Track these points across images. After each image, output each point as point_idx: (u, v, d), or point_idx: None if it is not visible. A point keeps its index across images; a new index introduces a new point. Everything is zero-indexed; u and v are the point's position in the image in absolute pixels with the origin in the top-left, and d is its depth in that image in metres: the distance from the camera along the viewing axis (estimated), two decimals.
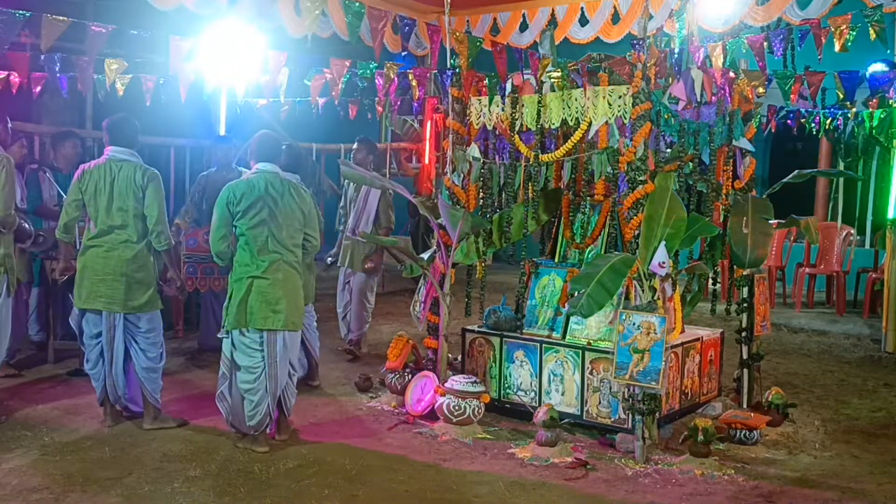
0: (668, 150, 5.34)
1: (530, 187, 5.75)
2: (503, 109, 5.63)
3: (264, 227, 4.87)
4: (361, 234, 6.70)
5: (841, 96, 6.28)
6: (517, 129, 5.59)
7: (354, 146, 7.32)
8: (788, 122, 9.49)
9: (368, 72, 6.63)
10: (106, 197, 5.11)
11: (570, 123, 5.36)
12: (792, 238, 10.26)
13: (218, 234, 4.93)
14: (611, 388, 5.16)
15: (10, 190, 5.38)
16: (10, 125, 6.31)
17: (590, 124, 5.23)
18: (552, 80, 5.43)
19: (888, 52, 8.05)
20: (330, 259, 7.46)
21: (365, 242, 6.99)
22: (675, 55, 5.62)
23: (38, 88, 7.11)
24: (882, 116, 8.44)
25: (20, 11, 5.18)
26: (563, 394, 5.40)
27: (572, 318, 5.49)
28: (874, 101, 8.35)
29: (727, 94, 5.46)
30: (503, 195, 5.85)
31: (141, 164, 5.23)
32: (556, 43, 5.31)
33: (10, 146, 6.27)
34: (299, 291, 5.04)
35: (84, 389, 5.92)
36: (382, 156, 11.91)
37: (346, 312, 7.28)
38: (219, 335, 5.04)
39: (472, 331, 5.88)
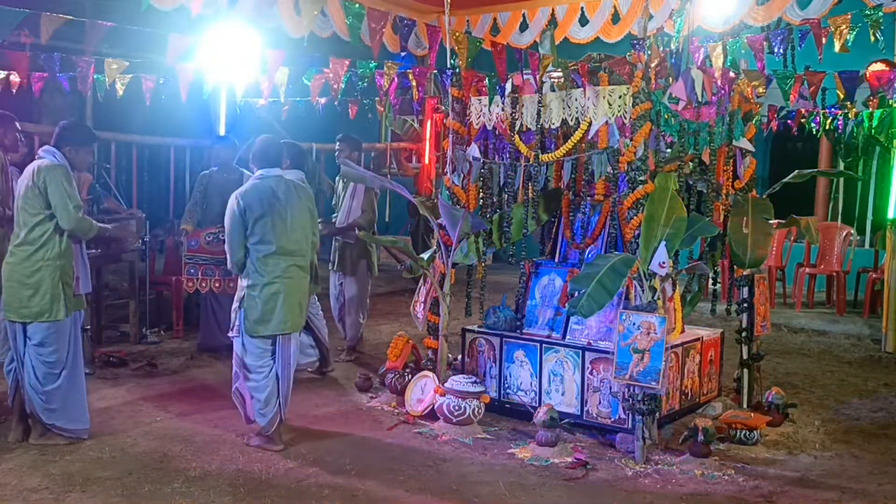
0: (668, 150, 5.34)
1: (530, 187, 5.75)
2: (503, 109, 5.63)
3: (276, 232, 4.89)
4: (361, 235, 6.69)
5: (841, 96, 6.28)
6: (517, 129, 5.59)
7: (337, 146, 7.20)
8: (788, 122, 9.49)
9: (368, 70, 6.63)
10: (21, 195, 4.85)
11: (570, 123, 5.36)
12: (792, 238, 10.26)
13: (235, 243, 4.91)
14: (611, 388, 5.16)
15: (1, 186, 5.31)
16: (19, 130, 6.29)
17: (590, 124, 5.23)
18: (552, 80, 5.43)
19: (884, 51, 8.02)
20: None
21: (354, 244, 7.01)
22: (675, 55, 5.62)
23: (39, 88, 7.10)
24: (882, 116, 8.43)
25: (19, 9, 5.17)
26: (563, 394, 5.40)
27: (572, 318, 5.49)
28: (874, 101, 8.34)
29: (727, 94, 5.46)
30: (503, 195, 5.85)
31: (47, 161, 4.83)
32: (556, 43, 5.31)
33: (19, 149, 6.26)
34: (306, 293, 5.17)
35: None
36: (382, 156, 11.91)
37: (341, 315, 7.28)
38: (229, 335, 5.09)
39: (472, 331, 5.88)
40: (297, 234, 4.98)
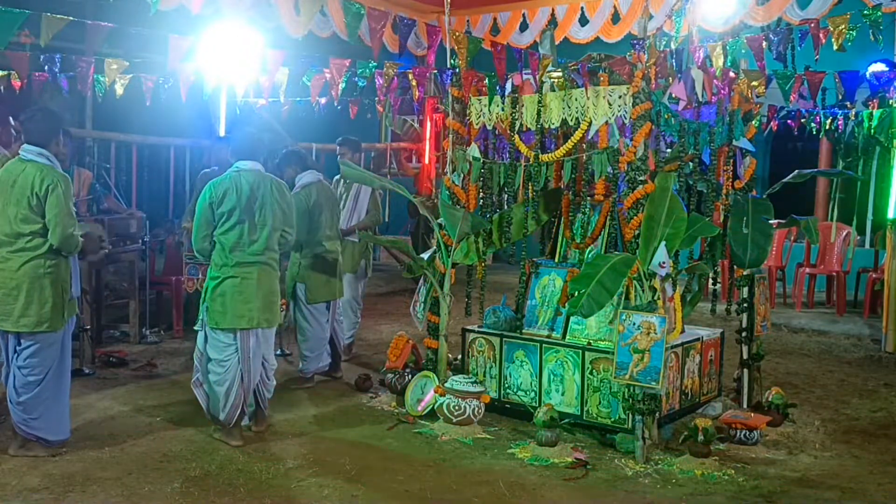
0: (669, 150, 5.33)
1: (530, 187, 5.75)
2: (503, 109, 5.63)
3: (242, 227, 4.94)
4: (362, 235, 6.69)
5: (841, 96, 6.28)
6: (517, 129, 5.59)
7: (338, 149, 7.22)
8: (788, 122, 9.49)
9: (368, 71, 6.63)
10: (4, 201, 4.56)
11: (570, 123, 5.36)
12: (792, 238, 10.26)
13: (200, 234, 4.99)
14: (611, 388, 5.16)
15: None
16: (13, 126, 6.29)
17: (590, 124, 5.23)
18: (552, 79, 5.43)
19: (882, 50, 8.03)
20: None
21: (357, 242, 7.02)
22: (675, 55, 5.62)
23: (39, 88, 7.10)
24: (882, 116, 8.43)
25: (20, 10, 5.17)
26: (563, 394, 5.40)
27: (572, 318, 5.49)
28: (874, 101, 8.34)
29: (727, 94, 5.46)
30: (503, 195, 5.85)
31: (47, 166, 4.58)
32: (556, 43, 5.31)
33: (11, 145, 6.27)
34: (273, 289, 5.12)
35: (82, 390, 5.92)
36: (382, 156, 11.91)
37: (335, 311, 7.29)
38: (195, 328, 5.15)
39: (472, 331, 5.88)
40: (260, 232, 4.97)
